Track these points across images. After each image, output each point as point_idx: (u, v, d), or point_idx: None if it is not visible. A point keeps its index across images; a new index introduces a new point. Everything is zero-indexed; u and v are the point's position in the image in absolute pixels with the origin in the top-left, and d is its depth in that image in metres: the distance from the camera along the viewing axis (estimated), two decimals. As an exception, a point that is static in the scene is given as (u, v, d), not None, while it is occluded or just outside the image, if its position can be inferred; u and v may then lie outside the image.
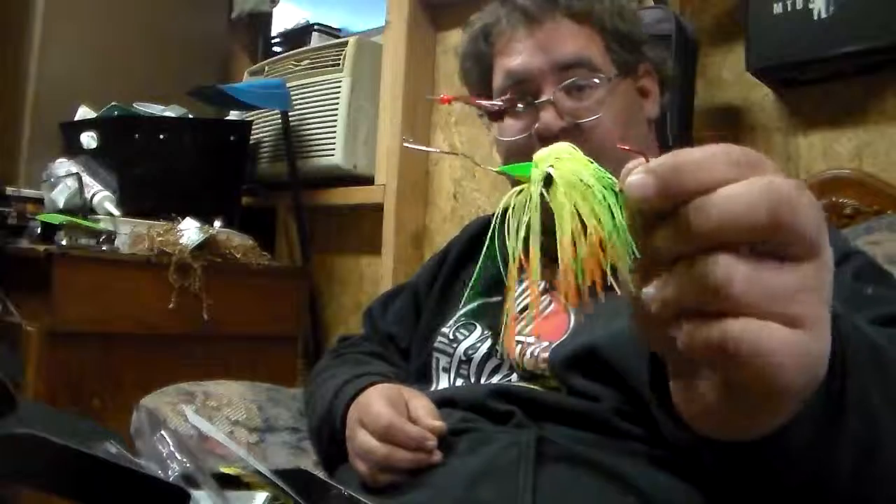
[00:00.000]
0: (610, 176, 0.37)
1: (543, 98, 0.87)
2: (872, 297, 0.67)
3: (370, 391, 0.87)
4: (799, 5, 1.18)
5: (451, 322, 0.98)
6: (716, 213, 0.34)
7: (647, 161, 0.36)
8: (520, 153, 0.88)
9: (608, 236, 0.36)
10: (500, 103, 0.91)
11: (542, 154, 0.40)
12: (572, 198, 0.37)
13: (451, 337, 0.96)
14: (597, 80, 0.87)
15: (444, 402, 0.87)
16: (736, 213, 0.33)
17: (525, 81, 0.89)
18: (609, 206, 0.36)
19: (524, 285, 0.93)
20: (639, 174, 0.35)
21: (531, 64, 0.88)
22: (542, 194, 0.38)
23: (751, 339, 0.33)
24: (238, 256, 1.85)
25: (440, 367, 0.96)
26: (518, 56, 0.89)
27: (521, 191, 0.39)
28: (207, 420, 1.06)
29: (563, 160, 0.38)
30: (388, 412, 0.80)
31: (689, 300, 0.35)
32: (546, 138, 0.85)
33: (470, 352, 0.92)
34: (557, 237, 0.37)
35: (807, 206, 0.35)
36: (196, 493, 0.53)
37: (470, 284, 1.01)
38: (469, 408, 0.84)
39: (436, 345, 0.97)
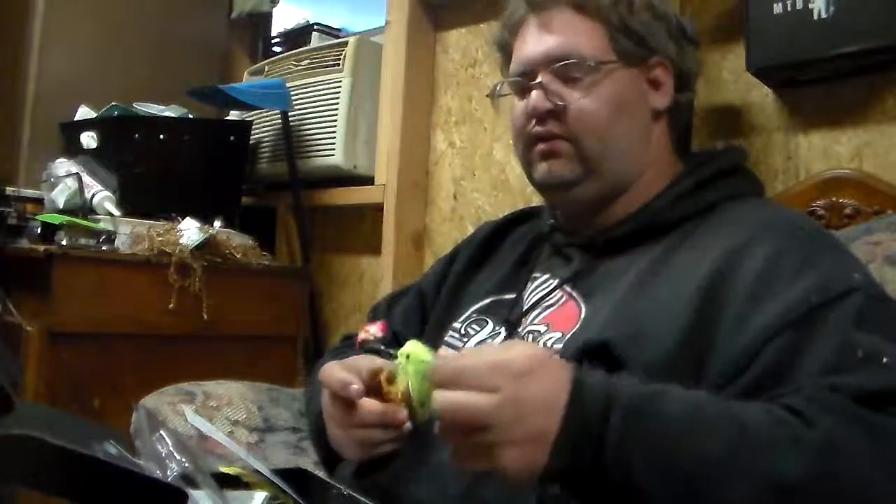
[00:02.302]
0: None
1: (535, 81, 0.92)
2: (861, 360, 0.69)
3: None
4: (799, 5, 1.18)
5: (462, 318, 0.99)
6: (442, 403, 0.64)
7: None
8: (519, 132, 0.96)
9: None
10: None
11: (404, 350, 0.77)
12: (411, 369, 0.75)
13: (463, 332, 0.97)
14: (585, 67, 0.90)
15: None
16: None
17: (528, 69, 0.94)
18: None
19: (538, 281, 0.95)
20: (432, 371, 0.67)
21: (532, 51, 0.94)
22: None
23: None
24: (238, 256, 1.85)
25: None
26: (525, 44, 0.96)
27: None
28: (207, 420, 1.06)
29: (415, 352, 0.76)
30: (327, 399, 0.88)
31: None
32: (536, 118, 0.92)
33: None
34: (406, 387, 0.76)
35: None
36: (195, 493, 0.53)
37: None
38: None
39: (446, 339, 0.98)
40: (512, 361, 0.64)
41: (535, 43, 0.94)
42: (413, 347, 0.76)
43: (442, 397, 0.64)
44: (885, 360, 0.68)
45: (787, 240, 0.80)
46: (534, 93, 0.92)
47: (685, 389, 0.67)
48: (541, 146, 0.92)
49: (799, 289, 0.74)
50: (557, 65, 0.91)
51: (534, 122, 0.92)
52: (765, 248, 0.79)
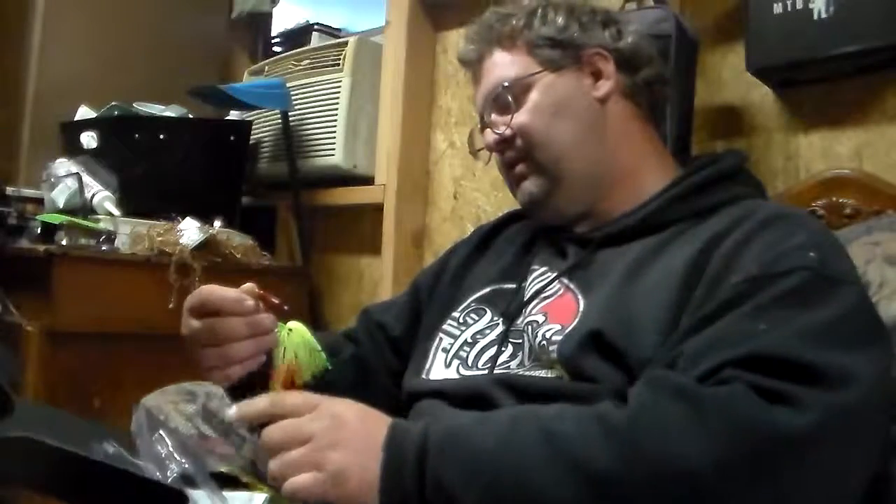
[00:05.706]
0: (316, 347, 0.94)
1: (484, 122, 1.01)
2: (756, 332, 0.70)
3: None
4: (799, 5, 1.18)
5: (462, 307, 1.01)
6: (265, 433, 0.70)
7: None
8: (499, 170, 1.04)
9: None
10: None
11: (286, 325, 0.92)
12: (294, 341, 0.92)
13: (462, 321, 0.99)
14: (509, 89, 0.96)
15: (433, 393, 0.91)
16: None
17: (480, 117, 1.03)
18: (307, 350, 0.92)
19: (536, 272, 0.97)
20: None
21: (477, 103, 1.03)
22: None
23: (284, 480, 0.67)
24: (238, 256, 1.85)
25: (440, 348, 0.98)
26: (475, 99, 1.05)
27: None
28: (208, 420, 1.06)
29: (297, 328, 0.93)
30: (195, 320, 0.89)
31: None
32: (497, 152, 1.00)
33: (478, 336, 0.95)
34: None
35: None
36: (194, 493, 0.53)
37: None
38: (466, 400, 0.86)
39: (444, 326, 1.00)
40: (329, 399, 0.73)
41: (477, 94, 1.03)
42: (295, 325, 0.92)
43: (265, 430, 0.70)
44: (762, 326, 0.69)
45: (761, 226, 0.81)
46: (485, 132, 1.00)
47: (515, 408, 0.75)
48: (512, 173, 0.99)
49: (750, 265, 0.76)
50: (491, 100, 0.99)
51: (497, 156, 1.00)
52: (739, 235, 0.81)
